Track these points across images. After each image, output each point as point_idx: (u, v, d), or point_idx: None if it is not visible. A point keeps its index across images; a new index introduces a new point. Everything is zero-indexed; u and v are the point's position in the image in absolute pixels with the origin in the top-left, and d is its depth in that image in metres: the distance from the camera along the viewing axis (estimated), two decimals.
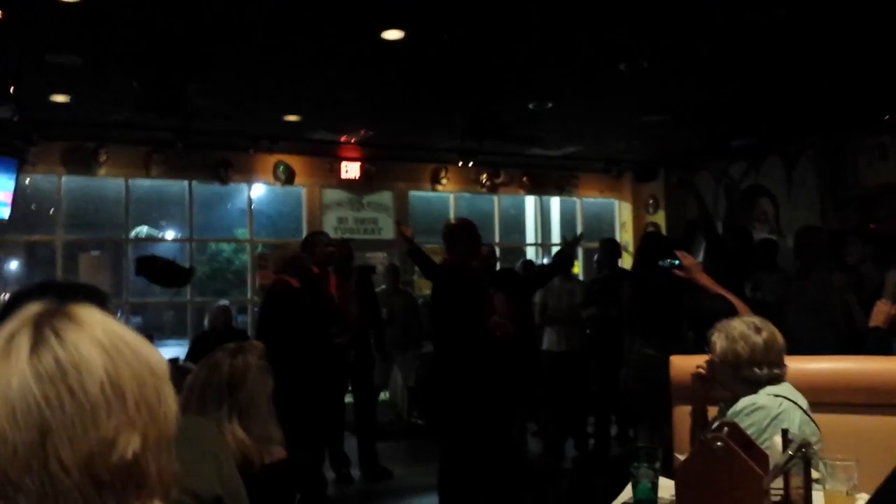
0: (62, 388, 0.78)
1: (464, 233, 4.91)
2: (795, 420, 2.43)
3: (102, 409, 0.78)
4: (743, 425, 2.27)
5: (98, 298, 1.52)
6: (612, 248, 7.17)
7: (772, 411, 2.44)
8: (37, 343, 0.80)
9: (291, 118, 7.74)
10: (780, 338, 2.58)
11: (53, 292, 1.57)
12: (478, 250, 5.10)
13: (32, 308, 0.85)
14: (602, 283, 6.93)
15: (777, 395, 2.49)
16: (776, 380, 2.55)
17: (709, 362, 2.64)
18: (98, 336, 0.84)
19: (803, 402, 2.52)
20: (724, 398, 2.68)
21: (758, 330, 2.56)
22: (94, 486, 0.77)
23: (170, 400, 0.86)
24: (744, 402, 2.50)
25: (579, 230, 11.32)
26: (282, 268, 5.47)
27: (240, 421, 2.45)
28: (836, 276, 5.30)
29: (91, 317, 0.86)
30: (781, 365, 2.57)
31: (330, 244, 5.89)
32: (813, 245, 5.51)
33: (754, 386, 2.53)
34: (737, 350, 2.54)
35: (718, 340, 2.59)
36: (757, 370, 2.53)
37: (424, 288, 9.32)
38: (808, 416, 2.51)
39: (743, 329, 2.56)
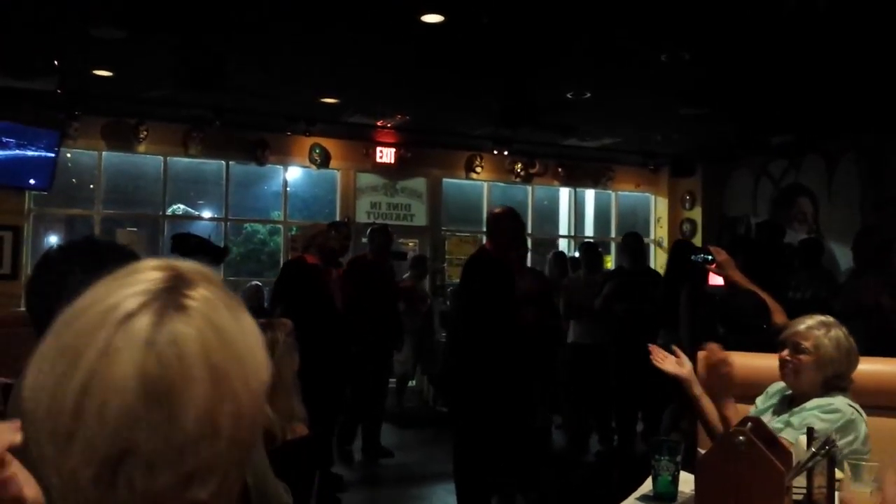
0: (163, 408, 0.66)
1: (507, 222, 4.84)
2: (862, 430, 2.43)
3: (193, 443, 0.67)
4: (816, 424, 2.25)
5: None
6: (633, 244, 7.07)
7: (845, 417, 2.43)
8: (154, 337, 0.68)
9: (328, 100, 7.77)
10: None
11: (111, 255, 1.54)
12: (519, 240, 5.03)
13: (154, 271, 0.72)
14: (621, 277, 6.87)
15: (850, 404, 2.48)
16: (848, 387, 2.54)
17: (803, 361, 2.53)
18: (210, 347, 0.70)
19: (862, 408, 2.51)
20: (747, 395, 2.64)
21: (853, 344, 2.52)
22: None
23: (258, 427, 0.75)
24: (817, 401, 2.48)
25: (614, 224, 11.25)
26: (305, 245, 5.53)
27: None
28: (871, 281, 5.18)
29: (209, 311, 0.71)
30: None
31: (330, 238, 5.65)
32: (869, 247, 5.40)
33: (831, 392, 2.52)
34: (851, 360, 2.51)
35: (828, 344, 2.50)
36: (843, 382, 2.52)
37: (455, 276, 9.33)
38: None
39: (851, 344, 2.52)
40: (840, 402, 2.46)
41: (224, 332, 0.71)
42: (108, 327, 0.67)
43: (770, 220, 7.14)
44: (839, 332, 2.53)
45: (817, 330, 2.53)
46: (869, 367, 2.76)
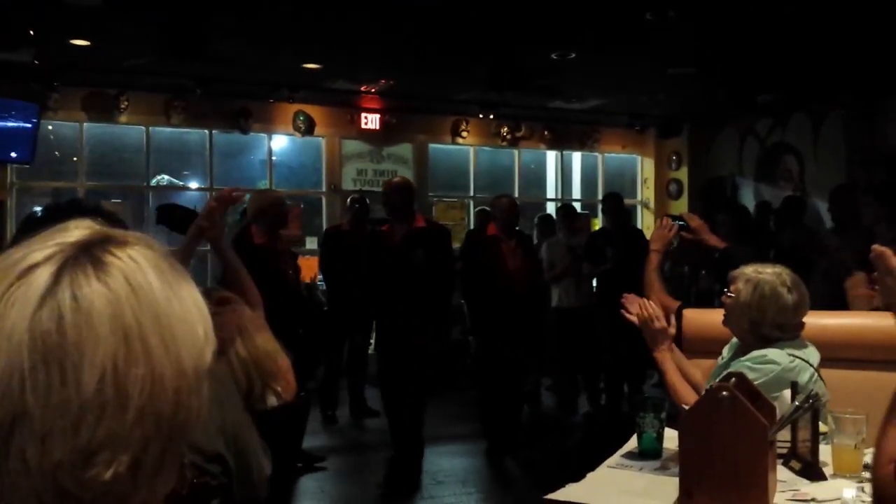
0: (55, 369, 0.59)
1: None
2: (804, 380, 2.38)
3: (92, 412, 0.60)
4: (749, 375, 2.25)
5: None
6: (614, 204, 7.14)
7: (780, 368, 2.39)
8: (52, 289, 0.61)
9: (311, 66, 7.68)
10: (807, 298, 2.48)
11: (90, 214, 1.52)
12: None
13: (79, 229, 0.67)
14: (602, 237, 6.92)
15: (791, 353, 2.43)
16: (795, 338, 2.48)
17: (727, 306, 2.54)
18: (122, 303, 0.63)
19: (815, 359, 2.47)
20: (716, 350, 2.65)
21: (789, 289, 2.45)
22: (58, 495, 0.60)
23: (194, 407, 0.65)
24: (755, 353, 2.46)
25: (601, 186, 11.24)
26: (254, 215, 5.08)
27: None
28: (828, 237, 5.17)
29: (130, 269, 0.65)
30: (802, 326, 2.50)
31: (283, 204, 5.31)
32: (846, 203, 5.39)
33: (768, 343, 2.48)
34: (764, 307, 2.44)
35: (745, 288, 2.47)
36: (778, 331, 2.46)
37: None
38: (818, 374, 2.47)
39: (776, 286, 2.44)
40: (776, 353, 2.41)
41: (145, 293, 0.64)
42: (8, 279, 0.62)
43: (794, 197, 7.02)
44: (765, 278, 2.46)
45: (744, 275, 2.50)
46: (833, 321, 2.77)
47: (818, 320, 2.61)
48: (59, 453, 0.59)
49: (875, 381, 2.51)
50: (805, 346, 2.49)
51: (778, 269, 2.52)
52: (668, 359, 2.63)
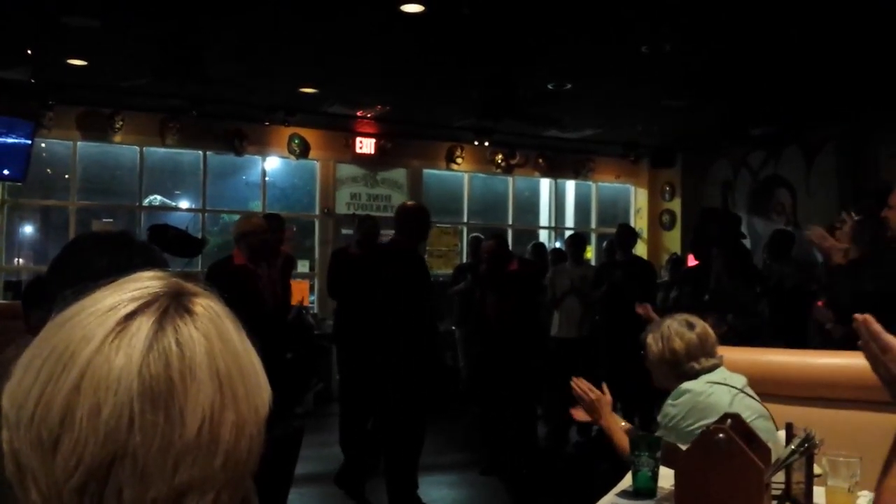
0: (161, 412, 0.62)
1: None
2: (724, 401, 2.47)
3: (190, 454, 0.62)
4: (671, 412, 2.32)
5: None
6: (628, 234, 7.16)
7: (698, 395, 2.50)
8: (157, 336, 0.64)
9: (308, 90, 7.70)
10: (710, 330, 2.66)
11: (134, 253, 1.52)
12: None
13: (156, 282, 0.69)
14: (615, 267, 6.92)
15: (708, 381, 2.55)
16: (712, 369, 2.61)
17: (647, 365, 2.70)
18: (216, 352, 0.66)
19: (739, 382, 2.58)
20: None
21: (690, 326, 2.63)
22: None
23: (257, 452, 0.69)
24: (675, 391, 2.57)
25: (594, 215, 11.27)
26: (236, 238, 4.99)
27: None
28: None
29: (214, 319, 0.68)
30: (715, 355, 2.64)
31: (266, 231, 5.07)
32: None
33: (693, 378, 2.59)
34: (674, 348, 2.60)
35: (653, 343, 2.65)
36: (695, 364, 2.59)
37: (436, 267, 9.30)
38: (747, 393, 2.55)
39: (676, 327, 2.63)
40: (692, 383, 2.55)
41: (230, 343, 0.68)
42: (106, 326, 0.63)
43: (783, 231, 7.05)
44: (663, 325, 2.65)
45: (649, 338, 2.68)
46: (826, 361, 2.77)
47: (814, 360, 2.61)
48: (154, 492, 0.62)
49: (870, 422, 2.50)
50: (726, 374, 2.61)
51: (676, 315, 2.72)
52: (615, 426, 2.71)
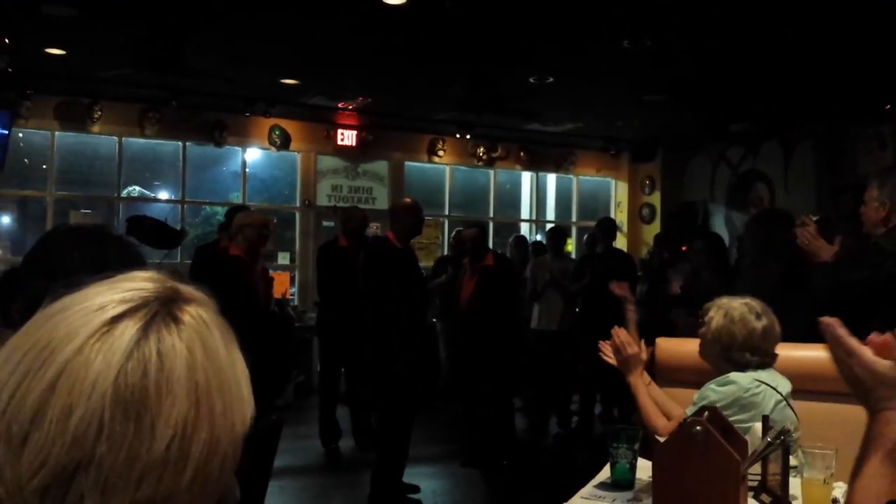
0: (132, 423, 0.60)
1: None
2: (768, 405, 2.42)
3: (157, 469, 0.60)
4: (711, 397, 2.30)
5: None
6: (610, 227, 7.19)
7: (745, 391, 2.43)
8: (139, 344, 0.62)
9: (289, 82, 7.66)
10: (777, 327, 2.55)
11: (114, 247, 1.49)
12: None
13: (150, 284, 0.67)
14: (596, 260, 6.95)
15: (757, 379, 2.47)
16: (763, 366, 2.53)
17: (700, 335, 2.61)
18: (198, 365, 0.64)
19: (784, 388, 2.50)
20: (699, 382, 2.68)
21: (758, 316, 2.51)
22: None
23: (232, 469, 0.67)
24: (720, 377, 2.51)
25: (575, 209, 11.32)
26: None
27: None
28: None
29: (201, 329, 0.66)
30: (773, 354, 2.55)
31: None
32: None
33: (741, 369, 2.52)
34: (733, 332, 2.50)
35: (716, 317, 2.54)
36: (748, 355, 2.50)
37: (422, 259, 9.29)
38: (788, 403, 2.49)
39: (744, 312, 2.51)
40: (740, 375, 2.47)
41: (214, 356, 0.66)
42: (90, 327, 0.62)
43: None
44: (734, 305, 2.54)
45: (716, 304, 2.59)
46: (804, 353, 2.79)
47: (790, 352, 2.64)
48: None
49: (845, 414, 2.53)
50: (776, 375, 2.53)
51: (748, 299, 2.59)
52: (641, 384, 2.71)
